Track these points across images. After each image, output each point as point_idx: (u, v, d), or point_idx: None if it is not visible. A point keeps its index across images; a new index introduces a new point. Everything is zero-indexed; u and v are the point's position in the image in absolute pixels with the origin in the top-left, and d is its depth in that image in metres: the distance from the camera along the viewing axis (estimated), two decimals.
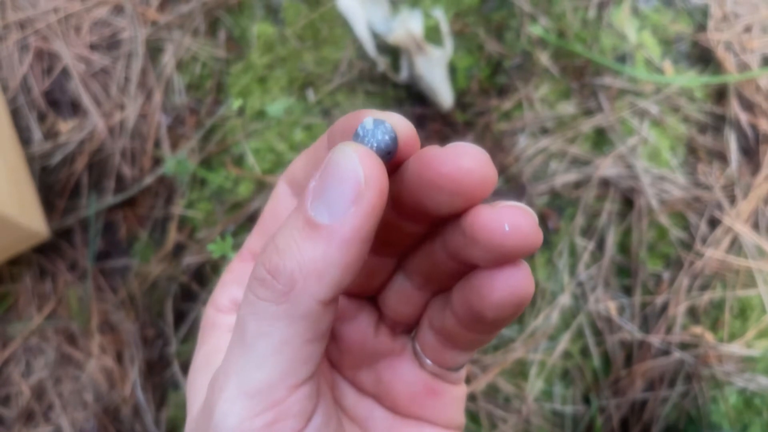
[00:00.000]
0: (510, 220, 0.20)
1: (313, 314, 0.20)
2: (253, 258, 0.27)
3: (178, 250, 0.76)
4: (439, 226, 0.23)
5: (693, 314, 0.73)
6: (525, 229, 0.20)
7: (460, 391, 0.27)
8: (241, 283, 0.27)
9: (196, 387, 0.25)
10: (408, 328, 0.27)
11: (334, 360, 0.27)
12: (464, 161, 0.20)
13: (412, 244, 0.25)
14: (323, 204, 0.20)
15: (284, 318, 0.20)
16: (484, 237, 0.20)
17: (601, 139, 0.78)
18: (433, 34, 0.80)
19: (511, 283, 0.21)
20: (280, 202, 0.26)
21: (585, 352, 0.73)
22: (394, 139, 0.21)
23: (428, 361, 0.26)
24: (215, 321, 0.27)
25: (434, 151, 0.21)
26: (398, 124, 0.22)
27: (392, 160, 0.22)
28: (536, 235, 0.20)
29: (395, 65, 0.80)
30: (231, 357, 0.21)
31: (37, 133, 0.79)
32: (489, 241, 0.20)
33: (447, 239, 0.22)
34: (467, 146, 0.20)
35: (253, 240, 0.27)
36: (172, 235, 0.76)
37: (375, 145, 0.21)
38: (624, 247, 0.75)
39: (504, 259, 0.20)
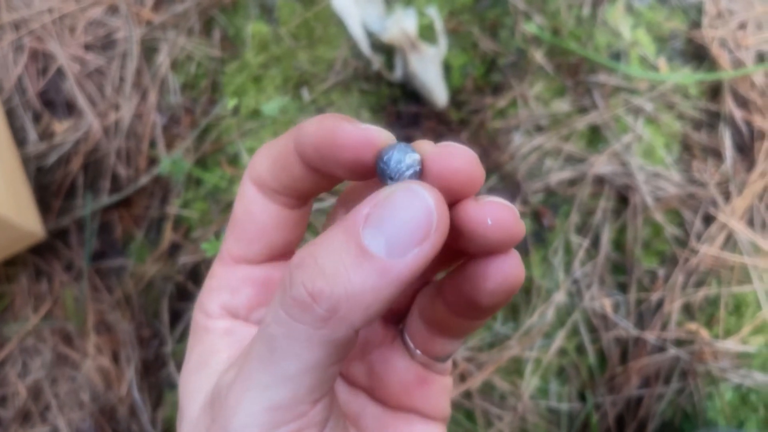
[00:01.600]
0: (492, 215, 0.21)
1: (347, 340, 0.20)
2: (233, 261, 0.27)
3: (174, 249, 0.76)
4: None
5: (688, 311, 0.73)
6: (507, 221, 0.21)
7: (447, 381, 0.28)
8: (228, 289, 0.27)
9: (192, 388, 0.25)
10: (398, 317, 0.28)
11: None
12: (453, 161, 0.21)
13: None
14: (382, 235, 0.19)
15: (319, 343, 0.20)
16: (469, 230, 0.21)
17: (595, 137, 0.78)
18: (427, 33, 0.80)
19: (502, 271, 0.22)
20: (251, 203, 0.26)
21: (580, 349, 0.73)
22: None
23: (417, 351, 0.26)
24: (207, 326, 0.27)
25: (424, 147, 0.22)
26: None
27: None
28: (517, 227, 0.21)
29: (390, 64, 0.80)
30: (252, 371, 0.21)
31: (32, 134, 0.79)
32: (474, 234, 0.21)
33: None
34: (456, 146, 0.21)
35: (230, 243, 0.27)
36: (168, 235, 0.76)
37: (415, 175, 0.21)
38: (619, 244, 0.75)
39: (490, 249, 0.21)
